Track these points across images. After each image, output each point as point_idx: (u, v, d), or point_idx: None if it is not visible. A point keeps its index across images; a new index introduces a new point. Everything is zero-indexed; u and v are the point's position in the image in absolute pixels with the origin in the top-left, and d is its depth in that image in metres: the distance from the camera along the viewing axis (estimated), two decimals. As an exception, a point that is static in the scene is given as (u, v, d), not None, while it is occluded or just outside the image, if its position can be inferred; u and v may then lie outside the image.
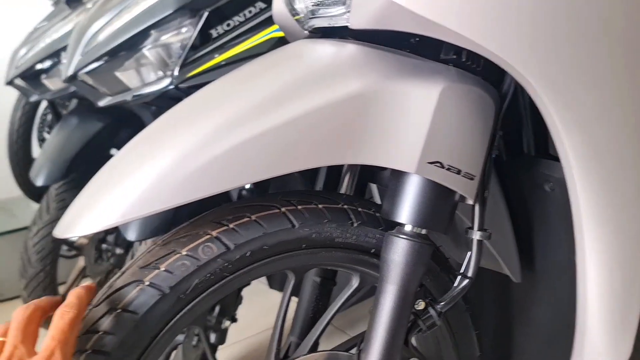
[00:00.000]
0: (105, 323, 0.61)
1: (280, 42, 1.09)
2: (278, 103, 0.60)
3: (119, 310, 0.61)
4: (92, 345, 0.60)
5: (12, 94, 2.51)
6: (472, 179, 0.67)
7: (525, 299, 0.89)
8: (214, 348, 1.45)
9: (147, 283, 0.62)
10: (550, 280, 0.83)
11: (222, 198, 0.74)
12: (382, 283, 0.69)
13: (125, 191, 0.57)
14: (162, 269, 0.63)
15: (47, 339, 0.53)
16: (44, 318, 0.57)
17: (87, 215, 0.58)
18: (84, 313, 0.60)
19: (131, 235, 0.97)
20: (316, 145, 0.60)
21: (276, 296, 2.04)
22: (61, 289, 1.88)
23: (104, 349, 0.60)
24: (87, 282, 1.84)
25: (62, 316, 0.55)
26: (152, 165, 0.58)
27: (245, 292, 1.41)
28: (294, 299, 0.82)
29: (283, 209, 0.69)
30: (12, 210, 2.66)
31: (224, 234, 0.66)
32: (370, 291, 1.31)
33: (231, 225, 0.66)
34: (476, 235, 0.72)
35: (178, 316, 0.63)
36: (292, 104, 0.60)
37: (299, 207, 0.70)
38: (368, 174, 0.90)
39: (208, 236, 0.65)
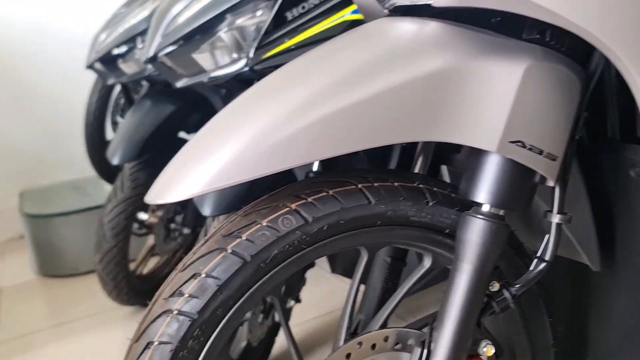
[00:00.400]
0: (190, 287, 0.64)
1: (353, 25, 1.10)
2: (361, 79, 0.61)
3: (203, 275, 0.64)
4: (177, 307, 0.63)
5: (89, 80, 2.65)
6: (554, 160, 0.66)
7: (604, 289, 0.86)
8: (278, 326, 1.49)
9: (229, 251, 0.65)
10: (633, 270, 0.80)
11: (287, 180, 0.76)
12: (457, 262, 0.69)
13: (212, 161, 0.60)
14: (244, 238, 0.65)
15: None
16: None
17: (177, 184, 0.61)
18: None
19: (206, 210, 1.01)
20: (399, 121, 0.60)
21: (337, 282, 2.07)
22: (131, 266, 1.97)
23: (189, 311, 0.63)
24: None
25: None
26: (239, 136, 0.60)
27: (308, 278, 1.44)
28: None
29: (359, 186, 0.70)
30: (87, 189, 2.80)
31: (303, 207, 0.67)
32: (435, 278, 1.31)
33: (309, 199, 0.68)
34: (555, 219, 0.70)
35: (257, 284, 0.66)
36: (375, 80, 0.61)
37: (375, 184, 0.71)
38: (441, 155, 0.89)
39: (287, 209, 0.67)
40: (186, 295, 0.63)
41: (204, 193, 0.60)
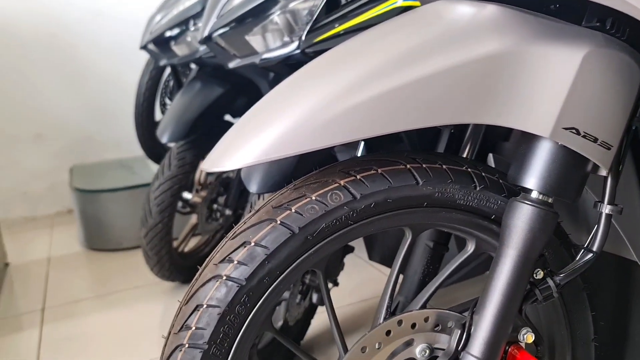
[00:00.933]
0: (240, 254, 0.66)
1: (406, 11, 1.10)
2: (416, 58, 0.62)
3: (252, 244, 0.66)
4: (226, 273, 0.65)
5: (142, 62, 2.72)
6: (608, 149, 0.65)
7: (650, 286, 0.85)
8: (314, 307, 1.51)
9: (279, 222, 0.66)
10: (682, 267, 0.79)
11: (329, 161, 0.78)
12: (502, 248, 0.69)
13: (267, 133, 0.62)
14: (293, 210, 0.67)
15: None
16: None
17: (232, 153, 0.63)
18: None
19: (253, 187, 1.03)
20: (452, 102, 0.61)
21: (374, 270, 2.08)
22: (174, 244, 2.03)
23: (237, 277, 0.65)
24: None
25: None
26: (293, 111, 0.62)
27: (345, 266, 1.46)
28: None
29: (408, 166, 0.71)
30: (134, 168, 2.89)
31: (352, 183, 0.69)
32: (475, 270, 1.31)
33: (358, 177, 0.69)
34: (606, 209, 0.69)
35: (304, 256, 0.68)
36: (430, 60, 0.61)
37: (424, 165, 0.72)
38: (489, 143, 0.89)
39: (336, 184, 0.69)
40: (235, 262, 0.66)
41: (258, 163, 0.62)
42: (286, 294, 1.32)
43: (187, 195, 2.04)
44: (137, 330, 1.79)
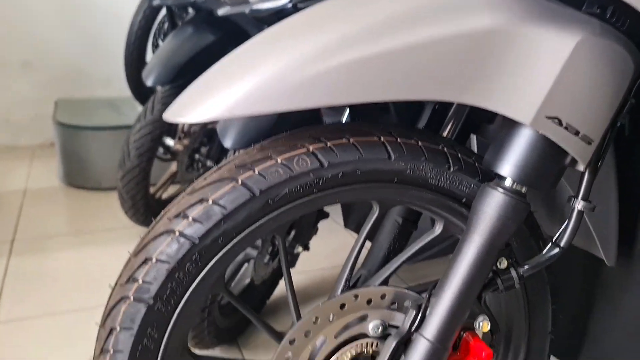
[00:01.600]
0: (196, 211, 0.63)
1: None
2: (403, 25, 0.58)
3: (209, 202, 0.63)
4: (180, 229, 0.63)
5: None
6: (589, 143, 0.62)
7: (615, 286, 0.84)
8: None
9: (240, 182, 0.64)
10: (650, 270, 0.78)
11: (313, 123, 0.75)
12: (468, 233, 0.67)
13: (236, 88, 0.58)
14: (257, 171, 0.64)
15: None
16: None
17: (196, 105, 0.59)
18: None
19: (228, 142, 1.00)
20: (436, 77, 0.57)
21: (349, 237, 2.08)
22: (152, 190, 2.01)
23: (190, 234, 0.63)
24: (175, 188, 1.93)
25: None
26: (267, 66, 0.58)
27: (320, 228, 1.44)
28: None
29: (383, 139, 0.68)
30: (120, 108, 2.83)
31: (321, 151, 0.66)
32: (444, 250, 1.30)
33: (329, 144, 0.66)
34: (579, 205, 0.67)
35: (263, 220, 0.65)
36: (418, 28, 0.58)
37: (399, 139, 0.69)
38: (472, 124, 0.86)
39: (304, 150, 0.66)
40: (190, 219, 0.63)
41: (223, 119, 0.59)
42: (254, 253, 1.30)
43: (169, 141, 2.00)
44: (106, 272, 1.78)
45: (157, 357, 0.65)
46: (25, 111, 3.11)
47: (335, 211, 1.92)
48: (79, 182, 2.55)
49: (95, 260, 1.88)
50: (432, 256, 1.37)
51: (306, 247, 1.38)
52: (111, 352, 0.63)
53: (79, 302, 1.56)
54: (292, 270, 1.56)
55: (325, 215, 1.42)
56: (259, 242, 1.32)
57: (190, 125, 2.01)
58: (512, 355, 0.84)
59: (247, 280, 1.47)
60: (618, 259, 0.79)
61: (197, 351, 1.32)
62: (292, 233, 1.33)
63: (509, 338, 0.84)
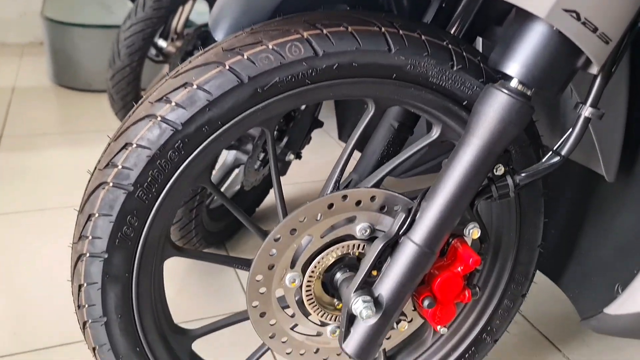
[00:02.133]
0: (179, 95, 0.59)
1: None
2: None
3: (194, 87, 0.59)
4: (161, 113, 0.59)
5: None
6: (607, 42, 0.57)
7: (610, 202, 0.82)
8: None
9: (227, 67, 0.59)
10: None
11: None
12: (466, 135, 0.64)
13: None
14: (245, 56, 0.59)
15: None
16: None
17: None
18: None
19: (219, 35, 0.93)
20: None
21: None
22: (142, 93, 1.95)
23: (173, 120, 0.59)
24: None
25: None
26: None
27: (313, 142, 1.40)
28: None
29: (383, 29, 0.63)
30: (112, 7, 2.69)
31: (316, 38, 0.61)
32: (439, 165, 1.27)
33: (325, 31, 0.61)
34: (586, 111, 0.63)
35: (251, 110, 0.61)
36: None
37: (401, 31, 0.64)
38: (480, 24, 0.81)
39: (298, 36, 0.61)
40: (173, 103, 0.59)
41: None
42: (245, 158, 1.27)
43: (161, 42, 1.91)
44: (95, 172, 1.76)
45: (137, 246, 0.63)
46: (13, 7, 2.97)
47: (329, 125, 1.88)
48: (68, 82, 2.48)
49: (84, 160, 1.85)
50: (426, 171, 1.35)
51: (298, 156, 1.35)
52: (90, 237, 0.61)
53: (68, 200, 1.55)
54: (282, 181, 1.55)
55: (320, 124, 1.38)
56: (249, 147, 1.29)
57: (184, 26, 1.92)
58: (499, 266, 0.84)
59: (237, 187, 1.45)
60: (617, 174, 0.76)
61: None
62: (285, 139, 1.29)
63: (497, 248, 0.82)
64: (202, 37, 1.96)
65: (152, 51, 1.92)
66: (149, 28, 1.74)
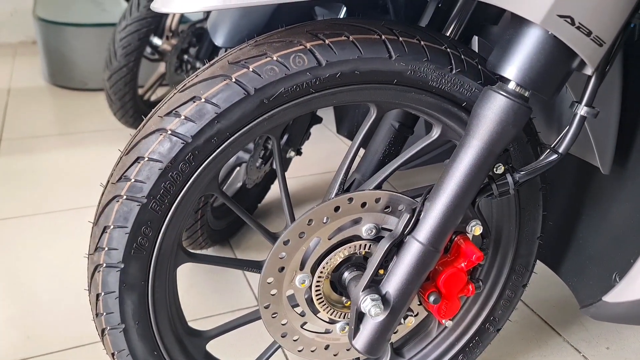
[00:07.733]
0: (188, 109, 0.61)
1: None
2: None
3: (202, 100, 0.61)
4: (172, 127, 0.61)
5: None
6: (600, 45, 0.59)
7: (606, 193, 0.84)
8: (274, 174, 1.50)
9: (234, 79, 0.61)
10: (642, 178, 0.77)
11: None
12: (467, 137, 0.66)
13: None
14: (251, 69, 0.61)
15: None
16: None
17: (187, -6, 0.56)
18: None
19: (218, 39, 0.95)
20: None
21: (341, 144, 2.07)
22: (140, 92, 1.95)
23: (183, 133, 0.61)
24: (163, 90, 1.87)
25: None
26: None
27: (312, 135, 1.42)
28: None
29: (384, 37, 0.65)
30: (104, 5, 2.68)
31: (318, 48, 0.63)
32: (437, 157, 1.29)
33: (327, 41, 0.63)
34: (582, 110, 0.66)
35: (257, 120, 0.63)
36: None
37: (401, 38, 0.66)
38: (476, 24, 0.82)
39: (301, 47, 0.62)
40: (182, 117, 0.61)
41: (212, 9, 0.55)
42: (246, 157, 1.29)
43: (156, 41, 1.92)
44: (96, 173, 1.77)
45: (151, 255, 0.65)
46: (2, 5, 2.95)
47: (327, 118, 1.90)
48: (64, 82, 2.48)
49: (85, 161, 1.87)
50: (424, 163, 1.38)
51: (299, 152, 1.37)
52: (106, 249, 0.63)
53: (68, 202, 1.57)
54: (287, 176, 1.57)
55: (319, 120, 1.40)
56: (250, 146, 1.31)
57: (178, 24, 1.92)
58: (500, 259, 0.86)
59: (239, 184, 1.47)
60: (612, 167, 0.78)
61: (190, 250, 1.35)
62: (285, 137, 1.31)
63: (498, 242, 0.85)
64: (197, 34, 1.97)
65: (148, 49, 1.93)
66: (144, 28, 1.75)
